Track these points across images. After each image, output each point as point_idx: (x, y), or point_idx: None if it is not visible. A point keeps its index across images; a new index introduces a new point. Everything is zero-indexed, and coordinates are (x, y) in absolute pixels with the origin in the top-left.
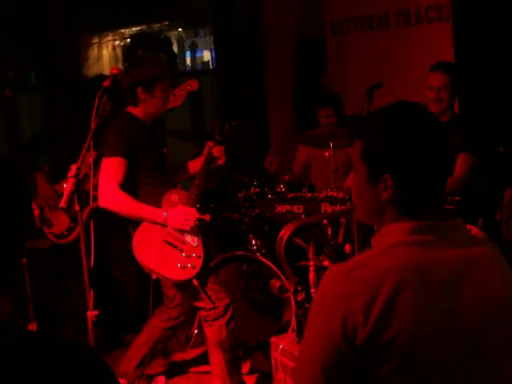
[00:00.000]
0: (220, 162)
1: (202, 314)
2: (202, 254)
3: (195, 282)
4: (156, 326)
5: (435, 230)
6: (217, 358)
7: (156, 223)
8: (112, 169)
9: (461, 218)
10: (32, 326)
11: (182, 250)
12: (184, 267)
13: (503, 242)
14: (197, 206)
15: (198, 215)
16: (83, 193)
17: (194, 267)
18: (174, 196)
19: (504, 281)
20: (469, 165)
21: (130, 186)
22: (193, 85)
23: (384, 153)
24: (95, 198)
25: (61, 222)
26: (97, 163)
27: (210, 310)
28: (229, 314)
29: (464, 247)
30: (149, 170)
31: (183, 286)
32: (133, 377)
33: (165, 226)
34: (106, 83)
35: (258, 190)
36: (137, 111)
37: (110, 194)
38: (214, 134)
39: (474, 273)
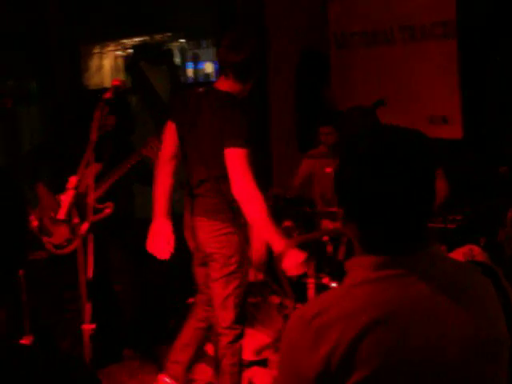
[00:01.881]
0: None
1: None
2: None
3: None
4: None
5: (401, 263)
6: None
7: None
8: (245, 160)
9: (438, 245)
10: (27, 339)
11: None
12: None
13: (506, 262)
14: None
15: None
16: (83, 205)
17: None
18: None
19: (481, 313)
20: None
21: None
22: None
23: (340, 191)
24: (96, 211)
25: (60, 233)
26: (100, 176)
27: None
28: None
29: (435, 279)
30: None
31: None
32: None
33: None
34: (108, 95)
35: None
36: (233, 87)
37: (251, 191)
38: None
39: (444, 307)
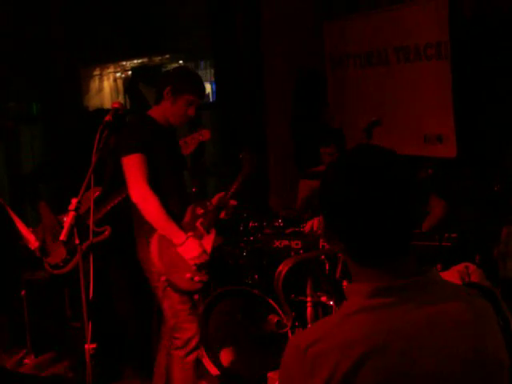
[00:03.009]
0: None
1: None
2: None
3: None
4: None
5: (396, 291)
6: None
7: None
8: (135, 165)
9: (434, 269)
10: (29, 358)
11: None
12: (192, 279)
13: (500, 280)
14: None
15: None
16: (84, 227)
17: (200, 281)
18: (199, 209)
19: (479, 338)
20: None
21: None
22: (205, 135)
23: (326, 209)
24: (95, 234)
25: (58, 253)
26: (100, 199)
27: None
28: (189, 348)
29: (431, 306)
30: (158, 174)
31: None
32: None
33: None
34: (108, 117)
35: (256, 224)
36: (155, 111)
37: (144, 192)
38: (232, 189)
39: (441, 334)
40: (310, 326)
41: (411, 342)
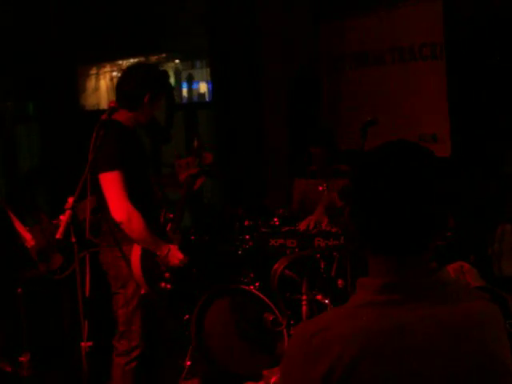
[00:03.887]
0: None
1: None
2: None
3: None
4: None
5: (405, 288)
6: None
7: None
8: (115, 183)
9: (445, 269)
10: (25, 357)
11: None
12: (164, 287)
13: (494, 279)
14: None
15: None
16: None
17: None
18: (168, 213)
19: (484, 341)
20: None
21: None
22: (208, 158)
23: (351, 202)
24: (92, 245)
25: (55, 261)
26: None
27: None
28: (131, 356)
29: (437, 306)
30: (134, 183)
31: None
32: None
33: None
34: (104, 116)
35: (252, 222)
36: (124, 116)
37: (128, 212)
38: (192, 166)
39: (447, 336)
40: (317, 316)
41: (415, 341)
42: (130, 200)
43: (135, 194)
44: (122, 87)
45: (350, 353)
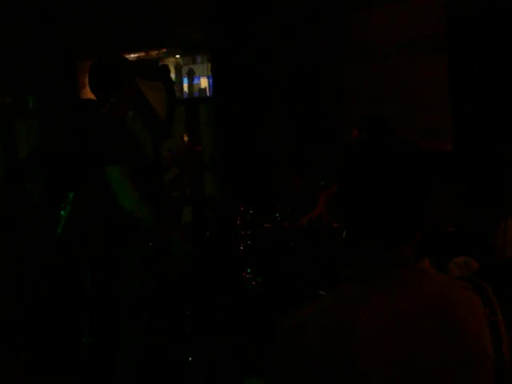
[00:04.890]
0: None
1: None
2: None
3: None
4: None
5: (384, 278)
6: None
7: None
8: (123, 175)
9: (425, 259)
10: (27, 353)
11: None
12: None
13: (498, 267)
14: None
15: None
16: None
17: None
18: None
19: (462, 331)
20: None
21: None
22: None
23: (337, 200)
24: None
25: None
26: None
27: None
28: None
29: (417, 296)
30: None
31: None
32: None
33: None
34: (105, 110)
35: (254, 218)
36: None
37: (137, 202)
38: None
39: (427, 324)
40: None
41: (396, 329)
42: (137, 191)
43: (140, 185)
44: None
45: (334, 341)
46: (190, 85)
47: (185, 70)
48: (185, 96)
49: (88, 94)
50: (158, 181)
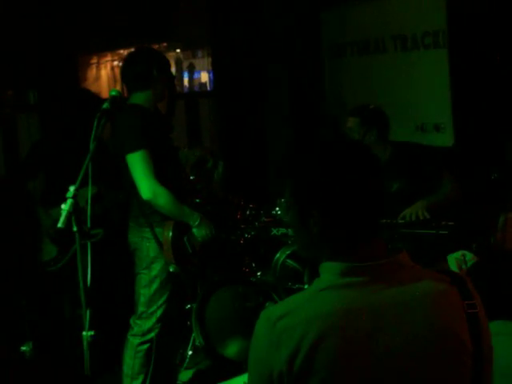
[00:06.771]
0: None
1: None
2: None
3: None
4: None
5: (368, 270)
6: None
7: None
8: (141, 162)
9: (404, 253)
10: (28, 346)
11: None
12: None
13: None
14: None
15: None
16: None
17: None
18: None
19: (440, 322)
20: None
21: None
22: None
23: (311, 191)
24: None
25: (48, 251)
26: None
27: None
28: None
29: (398, 286)
30: (160, 163)
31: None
32: None
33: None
34: (105, 105)
35: (254, 212)
36: (143, 99)
37: (154, 188)
38: None
39: (403, 315)
40: (282, 300)
41: (375, 322)
42: (156, 178)
43: (163, 173)
44: (128, 70)
45: (310, 336)
46: (191, 79)
47: (185, 64)
48: (185, 90)
49: (89, 87)
50: (177, 167)
